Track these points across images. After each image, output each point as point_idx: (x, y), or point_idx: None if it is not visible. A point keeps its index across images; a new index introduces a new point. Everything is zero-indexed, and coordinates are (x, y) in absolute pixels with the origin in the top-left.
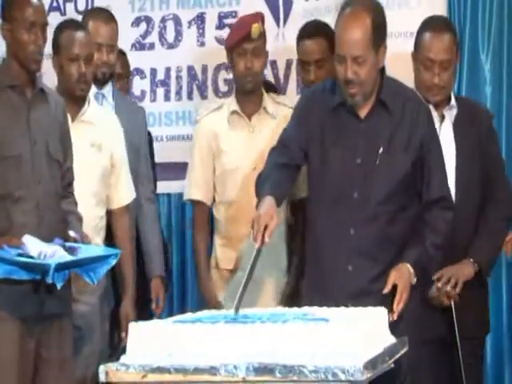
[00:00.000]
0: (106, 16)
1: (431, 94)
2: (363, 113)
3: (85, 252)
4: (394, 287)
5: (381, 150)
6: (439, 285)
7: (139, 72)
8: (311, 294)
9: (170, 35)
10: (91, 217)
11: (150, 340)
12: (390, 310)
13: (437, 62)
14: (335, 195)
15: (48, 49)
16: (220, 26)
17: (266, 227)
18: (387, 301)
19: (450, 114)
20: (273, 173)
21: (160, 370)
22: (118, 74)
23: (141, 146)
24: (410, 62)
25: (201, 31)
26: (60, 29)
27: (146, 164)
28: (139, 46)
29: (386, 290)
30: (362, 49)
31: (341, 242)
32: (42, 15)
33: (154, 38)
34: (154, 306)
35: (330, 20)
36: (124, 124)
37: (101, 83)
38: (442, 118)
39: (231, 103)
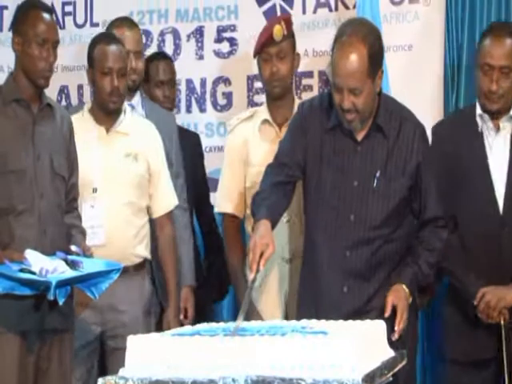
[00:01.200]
0: (129, 23)
1: (489, 102)
2: (360, 136)
3: (87, 266)
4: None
5: (378, 174)
6: (481, 308)
7: None
8: (304, 313)
9: (169, 48)
10: (129, 226)
11: (148, 353)
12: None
13: (496, 67)
14: (331, 216)
15: None
16: (219, 40)
17: (261, 255)
18: (381, 318)
19: (508, 125)
20: (269, 194)
21: (158, 383)
22: (161, 81)
23: (171, 154)
24: (408, 76)
25: (199, 44)
26: (94, 42)
27: (177, 170)
28: None
29: (386, 314)
30: (359, 81)
31: (337, 263)
32: (55, 33)
33: (152, 51)
34: (182, 316)
35: (328, 33)
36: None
37: (131, 91)
38: (498, 129)
39: (262, 112)
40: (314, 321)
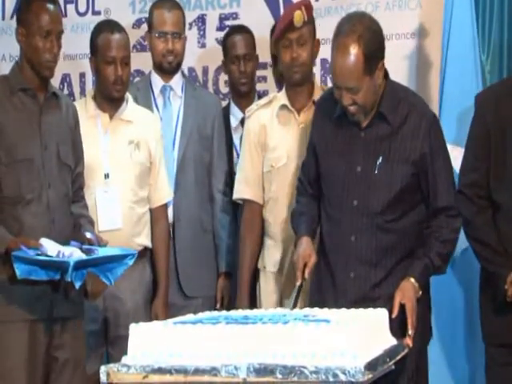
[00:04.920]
0: (170, 4)
1: None
2: (364, 122)
3: (102, 253)
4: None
5: (380, 160)
6: (509, 293)
7: (140, 73)
8: (313, 298)
9: None
10: (132, 213)
11: (151, 341)
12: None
13: None
14: (336, 202)
15: None
16: (221, 28)
17: (305, 265)
18: (389, 307)
19: None
20: (305, 207)
21: (161, 370)
22: (236, 56)
23: (213, 137)
24: (411, 63)
25: (202, 33)
26: (97, 30)
27: (219, 155)
28: (140, 47)
29: (394, 315)
30: (355, 81)
31: (342, 248)
32: (59, 23)
33: None
34: (218, 305)
35: (330, 21)
36: (193, 115)
37: (167, 73)
38: None
39: (281, 97)
40: (316, 309)
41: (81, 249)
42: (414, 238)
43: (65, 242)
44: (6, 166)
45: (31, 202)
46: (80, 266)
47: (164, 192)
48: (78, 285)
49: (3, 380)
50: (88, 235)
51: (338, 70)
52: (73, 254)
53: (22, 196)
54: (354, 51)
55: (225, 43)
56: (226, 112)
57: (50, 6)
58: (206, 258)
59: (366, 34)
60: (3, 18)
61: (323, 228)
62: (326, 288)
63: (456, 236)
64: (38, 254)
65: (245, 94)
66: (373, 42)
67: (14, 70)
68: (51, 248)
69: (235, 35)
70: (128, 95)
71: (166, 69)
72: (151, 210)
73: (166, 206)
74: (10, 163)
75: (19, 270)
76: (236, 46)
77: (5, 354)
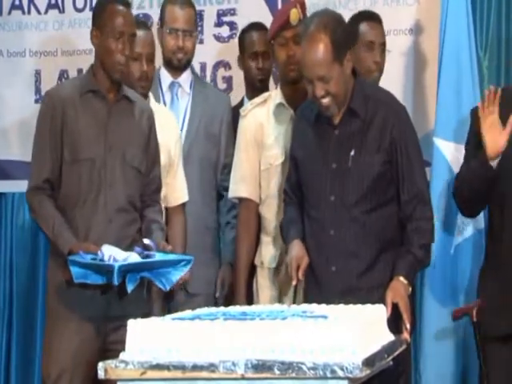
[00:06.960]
0: (183, 1)
1: None
2: (336, 119)
3: (158, 259)
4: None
5: (352, 153)
6: None
7: None
8: (306, 295)
9: None
10: None
11: (148, 337)
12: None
13: None
14: (315, 201)
15: (48, 46)
16: (219, 24)
17: (298, 267)
18: (374, 297)
19: None
20: (292, 217)
21: (159, 366)
22: (255, 53)
23: (220, 135)
24: (409, 59)
25: (199, 29)
26: None
27: (226, 153)
28: None
29: (388, 314)
30: (325, 69)
31: (322, 245)
32: (132, 26)
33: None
34: (217, 294)
35: None
36: (200, 112)
37: (177, 70)
38: None
39: (276, 95)
40: (314, 305)
41: (140, 254)
42: (392, 229)
43: (129, 245)
44: (69, 165)
45: (90, 201)
46: (129, 269)
47: (181, 192)
48: (129, 289)
49: (49, 380)
50: (146, 241)
51: (308, 61)
52: (127, 259)
53: (80, 195)
54: (322, 40)
55: (242, 40)
56: (239, 109)
57: (124, 9)
58: (209, 256)
59: (331, 23)
60: (0, 14)
61: (305, 229)
62: (309, 286)
63: (432, 225)
64: (93, 259)
65: (260, 91)
66: (339, 29)
67: (88, 71)
68: (108, 253)
69: (253, 32)
70: (150, 94)
71: (176, 65)
72: (168, 209)
73: (183, 206)
74: (73, 162)
75: (75, 273)
76: (255, 43)
77: (53, 354)
